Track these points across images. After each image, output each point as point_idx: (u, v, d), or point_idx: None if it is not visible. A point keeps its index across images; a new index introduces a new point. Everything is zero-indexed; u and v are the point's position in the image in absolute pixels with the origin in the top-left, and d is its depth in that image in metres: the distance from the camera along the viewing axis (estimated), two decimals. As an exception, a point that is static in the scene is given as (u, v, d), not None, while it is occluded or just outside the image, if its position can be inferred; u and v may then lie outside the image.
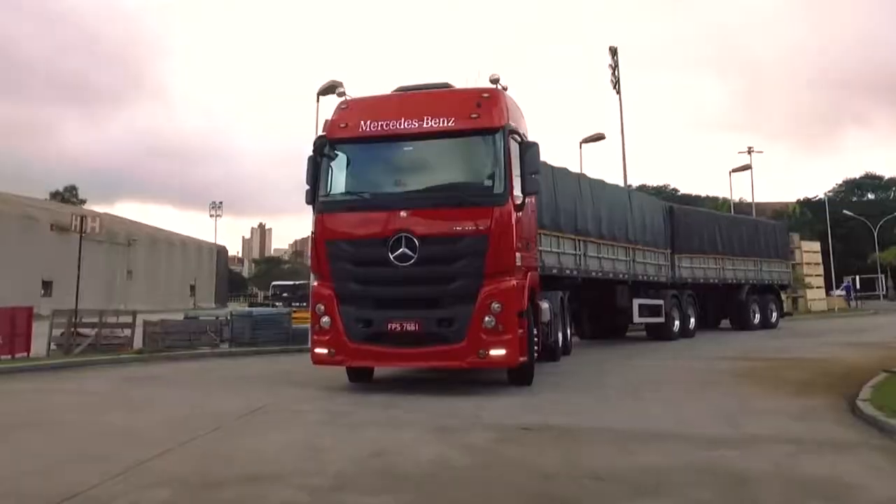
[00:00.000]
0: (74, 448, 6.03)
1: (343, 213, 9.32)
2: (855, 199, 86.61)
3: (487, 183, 8.93)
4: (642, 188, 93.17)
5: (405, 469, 5.19)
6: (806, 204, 73.93)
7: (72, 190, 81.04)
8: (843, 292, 51.36)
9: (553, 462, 5.39)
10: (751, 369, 11.50)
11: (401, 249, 8.71)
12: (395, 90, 10.04)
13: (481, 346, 8.49)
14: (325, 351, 9.00)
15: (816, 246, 47.33)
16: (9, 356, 13.81)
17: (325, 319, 8.97)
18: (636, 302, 16.90)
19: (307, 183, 9.43)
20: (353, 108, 9.58)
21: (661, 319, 17.72)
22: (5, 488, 4.71)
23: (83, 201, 79.22)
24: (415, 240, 8.70)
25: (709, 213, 24.32)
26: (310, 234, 9.63)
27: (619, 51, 31.27)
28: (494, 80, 9.20)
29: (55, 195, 76.85)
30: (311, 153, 9.49)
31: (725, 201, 69.72)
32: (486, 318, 8.48)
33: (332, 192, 9.44)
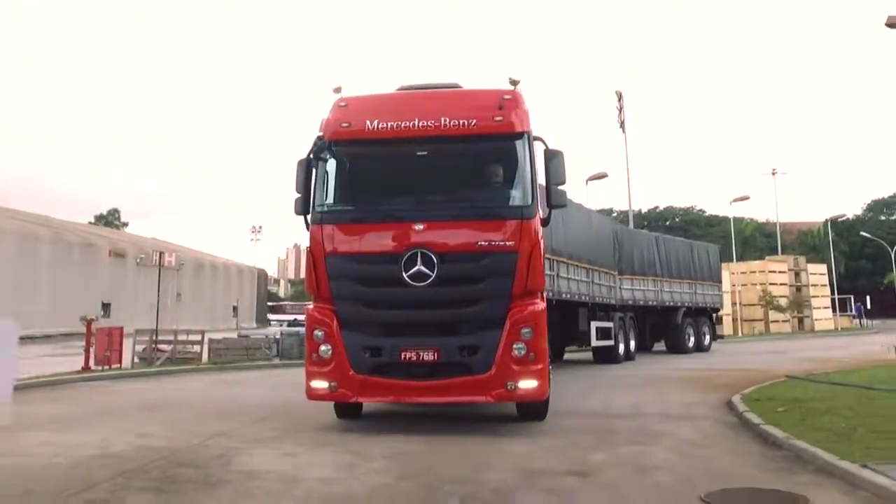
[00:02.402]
0: (206, 414, 9.58)
1: (347, 225, 8.30)
2: (883, 217, 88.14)
3: (514, 193, 8.26)
4: (669, 209, 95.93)
5: (415, 427, 8.46)
6: (833, 224, 75.63)
7: (114, 213, 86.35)
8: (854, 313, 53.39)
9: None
10: (689, 377, 14.54)
11: (416, 267, 7.79)
12: (398, 89, 9.19)
13: (510, 378, 7.67)
14: (324, 385, 7.95)
15: (823, 268, 49.66)
16: (107, 367, 17.40)
17: (325, 348, 7.95)
18: (594, 325, 16.98)
19: (297, 190, 8.39)
20: (354, 107, 8.55)
21: (612, 342, 17.94)
22: (177, 427, 8.24)
23: (125, 224, 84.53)
24: (433, 256, 7.78)
25: (648, 235, 24.49)
26: (305, 248, 8.58)
27: (624, 95, 34.56)
28: (514, 83, 8.45)
29: (99, 218, 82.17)
30: (303, 157, 8.49)
31: (752, 222, 72.16)
32: (516, 345, 7.70)
33: (333, 201, 8.44)
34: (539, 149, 8.32)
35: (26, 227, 43.96)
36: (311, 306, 8.41)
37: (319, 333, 8.04)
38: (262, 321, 69.86)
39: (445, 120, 8.16)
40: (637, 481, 5.75)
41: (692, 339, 22.87)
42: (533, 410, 8.55)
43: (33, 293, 39.86)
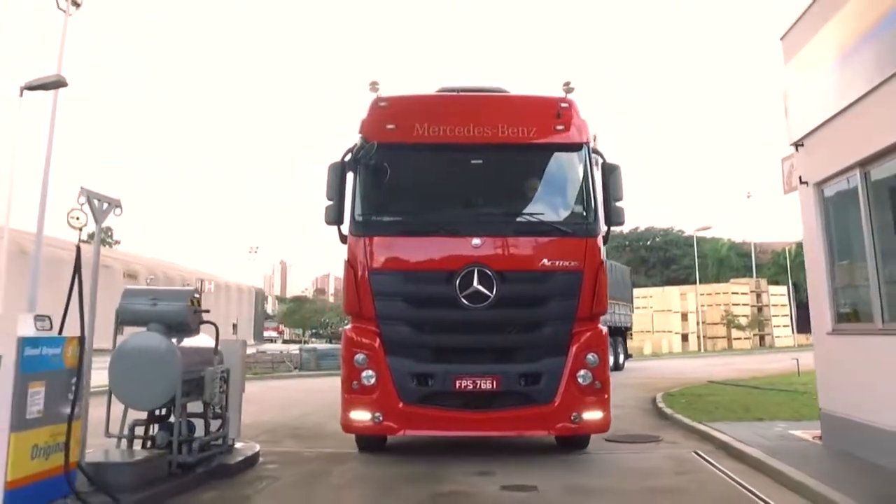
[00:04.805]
0: (282, 405, 13.50)
1: (395, 238, 7.72)
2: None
3: (577, 209, 7.79)
4: (649, 230, 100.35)
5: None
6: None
7: (107, 231, 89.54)
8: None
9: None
10: (636, 383, 18.62)
11: (473, 287, 7.26)
12: (439, 91, 8.75)
13: (575, 409, 7.26)
14: (366, 416, 7.31)
15: (783, 290, 54.12)
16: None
17: (368, 373, 7.32)
18: None
19: (329, 198, 7.79)
20: (397, 107, 8.04)
21: None
22: (272, 412, 12.15)
23: (118, 242, 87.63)
24: (491, 275, 7.29)
25: None
26: (344, 261, 7.77)
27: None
28: (569, 90, 7.99)
29: (92, 236, 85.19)
30: (336, 160, 7.89)
31: (727, 242, 76.59)
32: (582, 373, 7.30)
33: (376, 210, 7.82)
34: (597, 162, 7.99)
35: (49, 250, 47.35)
36: (348, 327, 7.82)
37: (361, 358, 7.41)
38: (260, 338, 73.61)
39: (503, 127, 7.83)
40: (572, 433, 9.75)
41: (611, 358, 24.88)
42: (577, 440, 8.05)
43: (58, 312, 43.22)
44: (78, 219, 6.06)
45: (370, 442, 8.13)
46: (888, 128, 6.37)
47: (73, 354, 5.27)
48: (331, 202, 7.79)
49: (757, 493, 6.03)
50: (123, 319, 6.95)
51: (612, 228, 7.91)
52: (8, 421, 4.60)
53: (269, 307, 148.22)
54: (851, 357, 7.36)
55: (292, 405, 13.71)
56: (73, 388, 5.21)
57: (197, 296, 7.19)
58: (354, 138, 7.95)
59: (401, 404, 7.26)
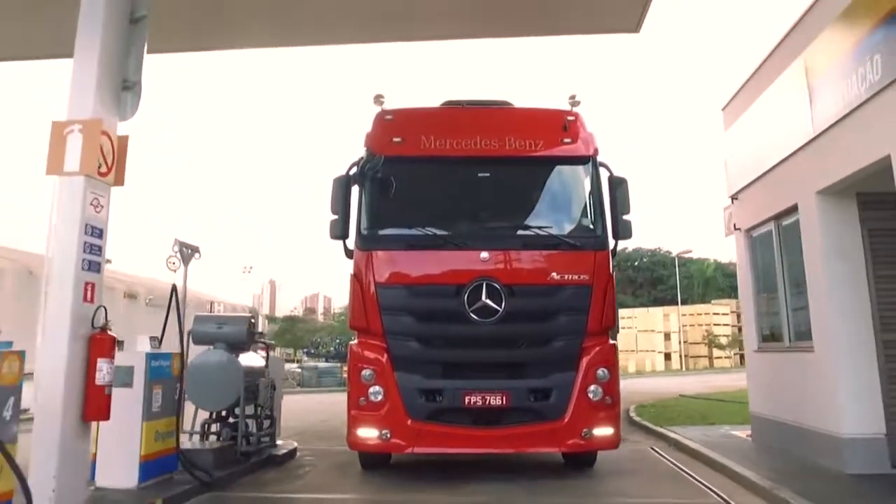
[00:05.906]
0: (302, 414, 15.24)
1: (402, 252, 7.68)
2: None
3: (585, 222, 7.84)
4: (637, 251, 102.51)
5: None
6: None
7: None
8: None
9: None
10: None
11: (481, 301, 7.26)
12: (444, 104, 8.72)
13: (586, 425, 7.21)
14: (374, 433, 7.23)
15: (762, 310, 56.17)
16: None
17: (376, 389, 7.25)
18: None
19: (334, 212, 7.77)
20: (402, 120, 8.09)
21: None
22: (294, 420, 13.89)
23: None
24: (500, 289, 7.29)
25: None
26: (350, 275, 7.76)
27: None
28: (575, 103, 8.06)
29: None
30: (340, 174, 7.92)
31: (713, 263, 78.73)
32: (592, 388, 7.27)
33: (382, 224, 7.84)
34: (603, 175, 7.95)
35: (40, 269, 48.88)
36: (354, 342, 7.77)
37: (368, 373, 7.34)
38: (254, 357, 74.95)
39: (511, 140, 7.86)
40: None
41: None
42: (585, 458, 8.10)
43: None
44: (174, 264, 7.79)
45: (373, 459, 8.10)
46: (790, 193, 8.32)
47: (177, 366, 7.06)
48: (336, 216, 7.77)
49: (689, 472, 7.91)
50: (195, 339, 8.72)
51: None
52: (141, 413, 6.40)
53: (260, 326, 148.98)
54: (770, 370, 9.26)
55: (308, 414, 15.46)
56: (178, 391, 6.99)
57: (253, 321, 8.98)
58: (351, 153, 8.24)
59: (409, 421, 7.15)
